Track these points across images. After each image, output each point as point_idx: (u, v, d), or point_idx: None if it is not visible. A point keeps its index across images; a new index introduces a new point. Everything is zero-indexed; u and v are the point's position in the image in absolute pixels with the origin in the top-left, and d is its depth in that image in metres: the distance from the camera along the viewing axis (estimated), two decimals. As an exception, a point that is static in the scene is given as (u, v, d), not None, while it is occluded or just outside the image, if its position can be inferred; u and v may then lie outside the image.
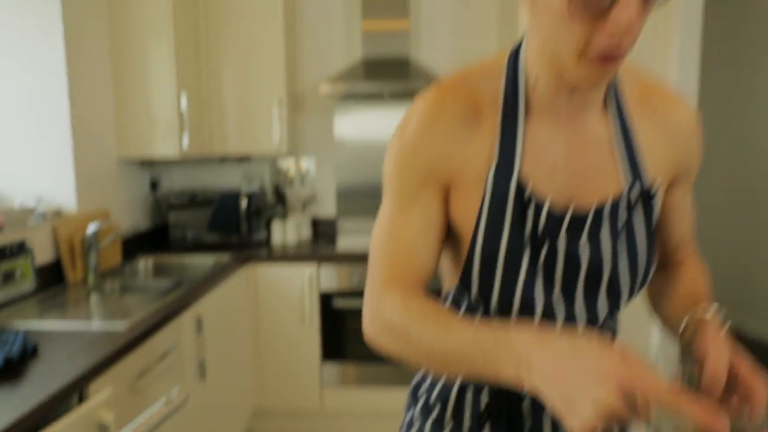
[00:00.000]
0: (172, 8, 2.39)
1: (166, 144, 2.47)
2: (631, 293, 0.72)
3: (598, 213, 0.69)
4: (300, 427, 2.67)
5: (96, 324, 1.64)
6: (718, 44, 3.64)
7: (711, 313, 0.70)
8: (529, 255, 0.69)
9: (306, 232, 2.93)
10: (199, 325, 1.97)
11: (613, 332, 0.80)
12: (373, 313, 0.69)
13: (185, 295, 1.91)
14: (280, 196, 3.07)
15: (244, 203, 2.74)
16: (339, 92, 2.66)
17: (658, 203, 0.71)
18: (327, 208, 3.09)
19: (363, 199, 2.94)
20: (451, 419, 0.80)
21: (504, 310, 0.71)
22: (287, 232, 2.82)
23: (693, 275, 0.82)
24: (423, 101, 0.72)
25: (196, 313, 1.96)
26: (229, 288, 2.29)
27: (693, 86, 2.25)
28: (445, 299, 0.80)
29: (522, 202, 0.68)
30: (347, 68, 2.73)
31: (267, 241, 2.86)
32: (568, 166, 0.69)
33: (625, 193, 0.69)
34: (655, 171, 0.71)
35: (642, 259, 0.71)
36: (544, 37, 0.62)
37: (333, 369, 2.57)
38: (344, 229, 2.95)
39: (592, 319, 0.72)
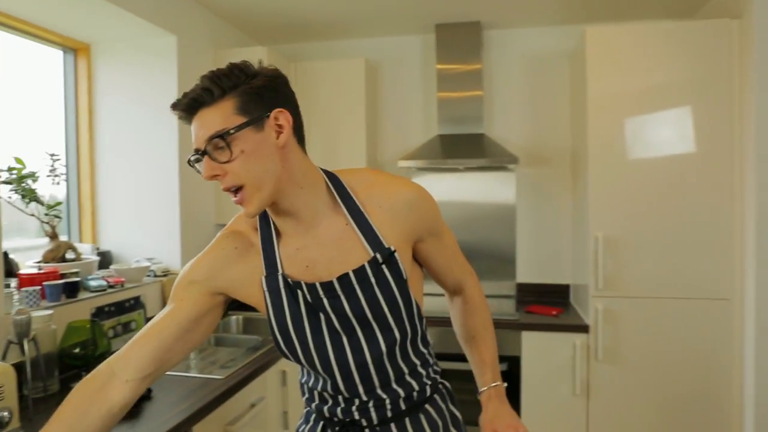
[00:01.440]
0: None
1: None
2: (405, 327, 0.99)
3: (344, 278, 0.95)
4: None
5: (196, 373, 1.84)
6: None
7: (495, 386, 1.10)
8: (310, 323, 0.97)
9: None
10: (283, 378, 2.14)
11: (411, 356, 1.04)
12: None
13: (272, 350, 2.09)
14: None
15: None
16: (416, 167, 2.88)
17: (402, 259, 0.97)
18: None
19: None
20: None
21: (309, 363, 0.99)
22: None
23: (471, 310, 1.18)
24: (208, 246, 1.03)
25: (280, 367, 2.13)
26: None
27: None
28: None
29: (291, 288, 0.96)
30: (424, 144, 2.95)
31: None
32: (321, 255, 0.97)
33: (370, 258, 0.95)
34: (390, 239, 0.97)
35: (399, 300, 0.97)
36: None
37: None
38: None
39: (376, 353, 0.98)
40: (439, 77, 3.01)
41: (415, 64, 3.25)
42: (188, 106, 0.87)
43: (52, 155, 2.08)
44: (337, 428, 1.04)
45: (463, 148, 2.84)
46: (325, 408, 1.05)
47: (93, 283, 1.99)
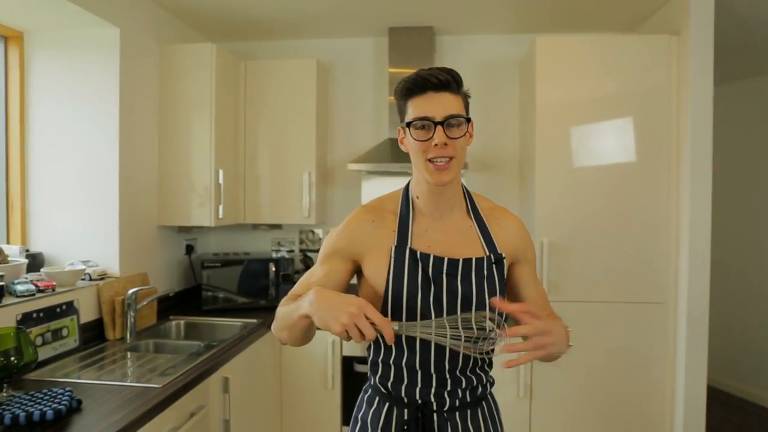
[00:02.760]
0: (214, 89, 2.66)
1: (203, 213, 2.67)
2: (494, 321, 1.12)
3: (467, 262, 1.14)
4: (317, 493, 2.68)
5: (132, 380, 1.76)
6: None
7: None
8: (423, 293, 1.12)
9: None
10: (225, 385, 2.07)
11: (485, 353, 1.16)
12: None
13: (214, 356, 2.03)
14: (307, 262, 3.22)
15: (272, 268, 2.89)
16: (366, 170, 2.86)
17: (505, 266, 1.18)
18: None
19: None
20: None
21: (408, 338, 1.14)
22: (312, 296, 2.93)
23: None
24: (351, 214, 1.22)
25: (223, 374, 2.06)
26: (255, 351, 2.40)
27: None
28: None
29: (414, 260, 1.14)
30: (374, 147, 2.94)
31: (292, 305, 2.97)
32: (443, 241, 1.17)
33: (486, 256, 1.16)
34: (501, 248, 1.19)
35: (498, 295, 1.14)
36: (415, 162, 1.13)
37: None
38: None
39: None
40: (391, 80, 3.00)
41: (367, 66, 3.24)
42: (440, 84, 1.07)
43: (-23, 150, 1.95)
44: (406, 410, 1.16)
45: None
46: (402, 387, 1.17)
47: (20, 288, 1.87)
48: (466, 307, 1.12)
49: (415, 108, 1.09)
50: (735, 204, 3.92)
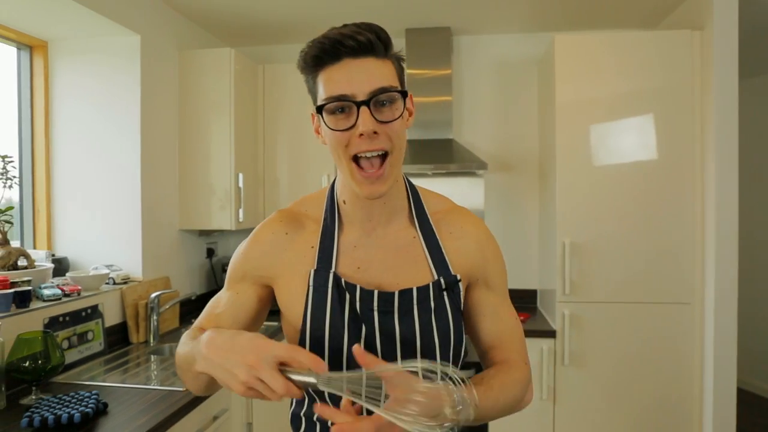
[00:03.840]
0: (233, 92, 2.67)
1: (223, 217, 2.69)
2: (448, 361, 0.87)
3: (405, 294, 0.86)
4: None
5: (156, 382, 1.78)
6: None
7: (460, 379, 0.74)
8: (349, 333, 0.85)
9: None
10: (248, 388, 2.08)
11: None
12: None
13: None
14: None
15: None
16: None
17: (462, 290, 0.90)
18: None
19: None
20: None
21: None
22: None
23: (500, 370, 0.88)
24: (261, 224, 0.96)
25: (246, 376, 2.07)
26: (276, 353, 2.41)
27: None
28: None
29: (340, 289, 0.86)
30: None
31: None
32: (377, 261, 0.89)
33: (434, 281, 0.88)
34: (455, 267, 0.91)
35: (452, 333, 0.87)
36: (336, 159, 0.84)
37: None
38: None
39: None
40: (409, 82, 2.99)
41: (384, 68, 3.23)
42: (360, 47, 0.78)
43: (4, 157, 1.98)
44: None
45: (432, 153, 2.84)
46: None
47: (46, 292, 1.90)
48: (408, 353, 0.85)
49: (328, 84, 0.79)
50: (762, 200, 3.83)
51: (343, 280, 0.86)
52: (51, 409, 1.44)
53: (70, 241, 2.42)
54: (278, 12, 2.76)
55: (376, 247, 0.90)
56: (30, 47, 2.38)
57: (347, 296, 0.86)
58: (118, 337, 2.24)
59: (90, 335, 2.04)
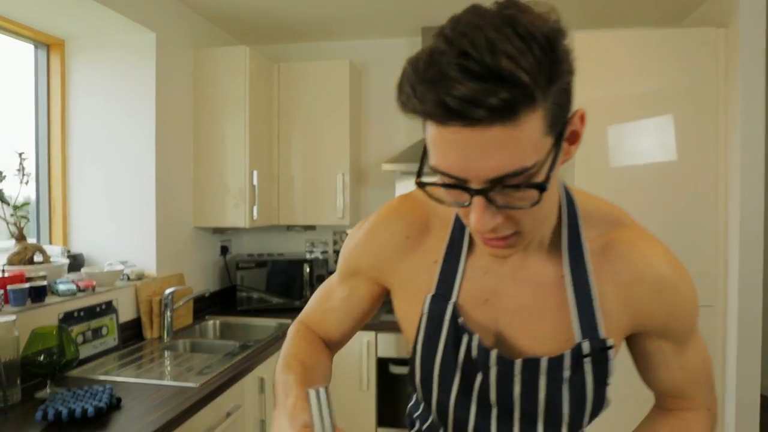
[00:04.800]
0: (248, 90, 2.67)
1: (237, 215, 2.69)
2: (574, 429, 0.72)
3: (530, 364, 0.69)
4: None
5: (170, 378, 1.77)
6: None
7: None
8: (461, 378, 0.72)
9: (363, 299, 3.02)
10: (261, 386, 2.07)
11: None
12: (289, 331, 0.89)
13: (249, 357, 2.03)
14: (339, 263, 3.20)
15: (307, 268, 2.88)
16: (400, 171, 2.83)
17: (613, 357, 0.69)
18: (384, 276, 3.18)
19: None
20: None
21: (442, 415, 0.77)
22: (345, 298, 2.92)
23: (674, 425, 0.79)
24: (384, 208, 0.82)
25: (258, 374, 2.06)
26: (289, 351, 2.39)
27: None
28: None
29: (457, 328, 0.72)
30: (409, 147, 2.91)
31: (326, 307, 2.96)
32: (508, 298, 0.72)
33: (573, 348, 0.68)
34: (613, 324, 0.69)
35: (587, 405, 0.70)
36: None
37: (387, 437, 2.59)
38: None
39: None
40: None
41: (400, 66, 3.17)
42: (485, 116, 0.49)
43: (21, 154, 1.99)
44: None
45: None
46: None
47: (62, 287, 1.91)
48: (529, 421, 0.71)
49: (435, 147, 0.55)
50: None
51: (461, 320, 0.72)
52: (65, 403, 1.43)
53: (86, 237, 2.43)
54: (294, 10, 2.76)
55: (510, 279, 0.72)
56: (47, 45, 2.40)
57: (464, 340, 0.72)
58: (132, 333, 2.24)
59: (104, 330, 2.05)
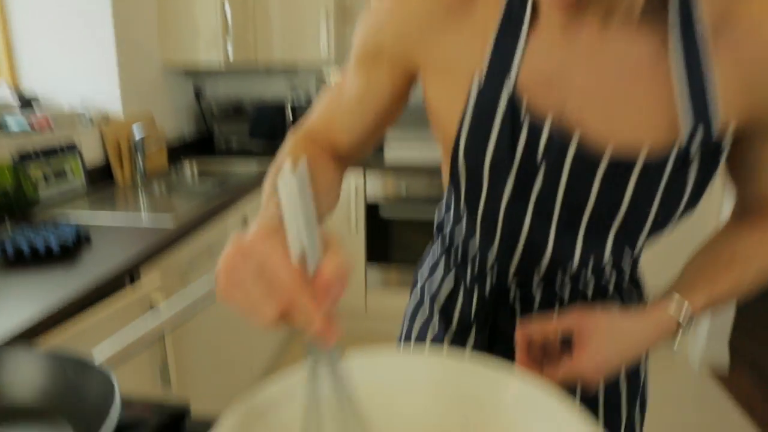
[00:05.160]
0: None
1: (210, 52, 2.40)
2: (653, 236, 0.60)
3: (619, 165, 0.54)
4: (343, 326, 2.73)
5: (145, 219, 1.65)
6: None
7: (674, 306, 0.59)
8: (517, 178, 0.58)
9: (351, 143, 2.86)
10: (245, 224, 1.98)
11: (621, 272, 0.70)
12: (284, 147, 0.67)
13: (231, 195, 1.90)
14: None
15: (289, 114, 2.68)
16: None
17: (723, 157, 0.54)
18: (372, 119, 2.99)
19: (410, 110, 2.82)
20: (441, 321, 0.76)
21: (489, 225, 0.64)
22: (332, 142, 2.76)
23: (756, 235, 0.64)
24: None
25: (242, 213, 1.96)
26: (274, 194, 2.29)
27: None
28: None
29: (514, 112, 0.55)
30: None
31: (311, 152, 2.81)
32: (585, 83, 0.54)
33: (681, 142, 0.52)
34: (728, 111, 0.52)
35: (678, 211, 0.57)
36: None
37: (377, 272, 2.60)
38: (391, 139, 2.87)
39: (593, 257, 0.63)
40: None
41: None
42: None
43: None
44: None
45: None
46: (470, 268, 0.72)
47: (12, 123, 1.71)
48: (599, 225, 0.59)
49: None
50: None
51: (525, 101, 0.55)
52: (27, 240, 1.32)
53: (38, 76, 2.17)
54: None
55: (585, 61, 0.54)
56: None
57: (525, 125, 0.55)
58: (101, 177, 2.09)
59: (69, 173, 1.89)
